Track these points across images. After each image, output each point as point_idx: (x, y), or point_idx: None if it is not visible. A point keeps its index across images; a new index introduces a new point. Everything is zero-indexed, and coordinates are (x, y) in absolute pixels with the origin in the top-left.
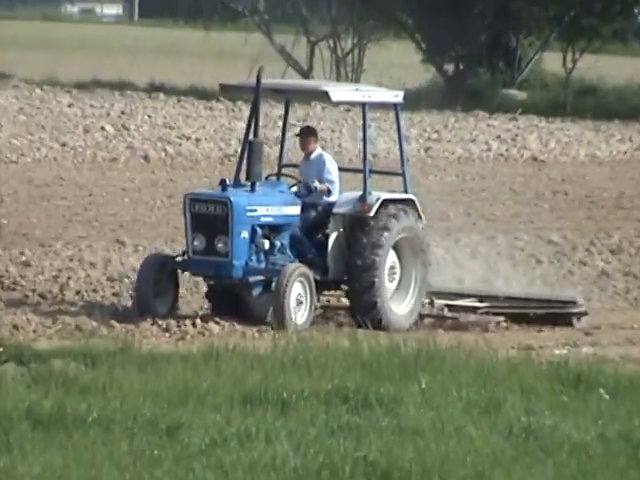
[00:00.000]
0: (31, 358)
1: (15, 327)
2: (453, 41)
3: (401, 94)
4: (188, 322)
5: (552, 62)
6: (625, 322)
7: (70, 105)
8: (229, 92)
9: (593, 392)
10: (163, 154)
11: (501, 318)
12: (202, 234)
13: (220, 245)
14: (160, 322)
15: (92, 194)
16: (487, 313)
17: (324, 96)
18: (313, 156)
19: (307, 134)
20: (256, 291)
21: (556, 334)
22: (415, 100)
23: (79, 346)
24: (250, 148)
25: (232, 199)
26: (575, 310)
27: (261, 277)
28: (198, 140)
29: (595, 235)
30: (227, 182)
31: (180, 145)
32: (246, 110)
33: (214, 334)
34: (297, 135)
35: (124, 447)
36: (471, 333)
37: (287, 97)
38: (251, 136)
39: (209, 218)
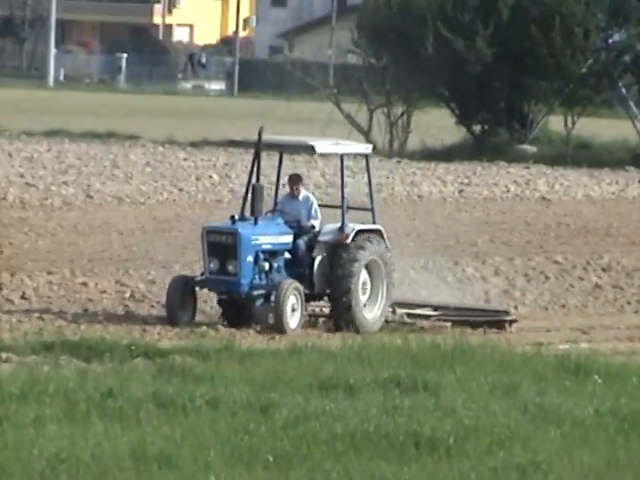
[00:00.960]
0: (156, 354)
1: (144, 330)
2: (479, 108)
3: (370, 147)
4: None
5: (556, 123)
6: (614, 324)
7: (185, 159)
8: (236, 146)
9: (589, 378)
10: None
11: (448, 324)
12: (216, 258)
13: (230, 267)
14: (257, 328)
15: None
16: (438, 320)
17: (310, 149)
18: (301, 197)
19: (296, 180)
20: (258, 302)
21: (560, 334)
22: (450, 153)
23: (193, 345)
24: (254, 191)
25: (240, 231)
26: (508, 318)
27: (262, 291)
28: (284, 185)
29: (590, 256)
30: (235, 217)
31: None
32: (320, 162)
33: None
34: (288, 180)
35: (227, 422)
36: (495, 334)
37: (281, 150)
38: (254, 181)
39: (222, 246)
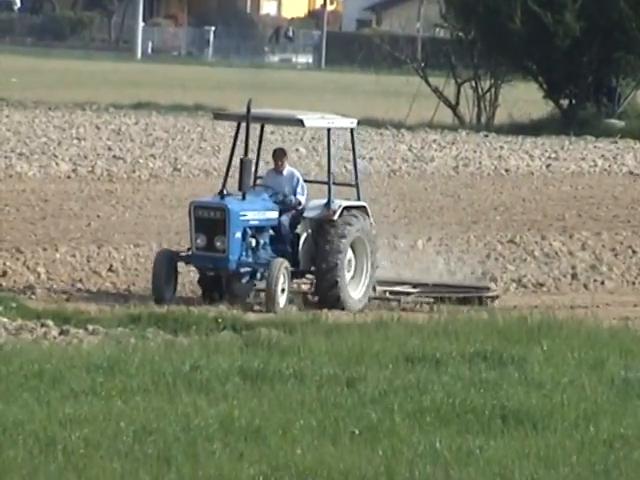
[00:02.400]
0: (242, 327)
1: (230, 303)
2: (567, 82)
3: (355, 121)
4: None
5: None
6: None
7: (272, 132)
8: (221, 119)
9: None
10: (344, 170)
11: (431, 300)
12: (204, 234)
13: (219, 243)
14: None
15: None
16: (420, 297)
17: (299, 123)
18: (285, 172)
19: (281, 155)
20: (245, 280)
21: None
22: (538, 128)
23: (279, 318)
24: (242, 165)
25: (229, 206)
26: (489, 294)
27: (249, 269)
28: (371, 159)
29: None
30: (224, 192)
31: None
32: (408, 135)
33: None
34: (273, 155)
35: (313, 395)
36: (582, 309)
37: (270, 124)
38: (242, 155)
39: (210, 221)
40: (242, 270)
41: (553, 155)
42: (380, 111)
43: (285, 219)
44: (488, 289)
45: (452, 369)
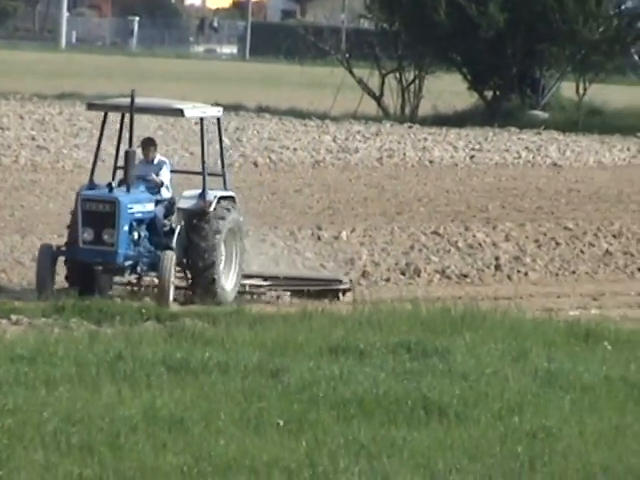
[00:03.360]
0: (166, 317)
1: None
2: (492, 73)
3: (222, 109)
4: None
5: (568, 90)
6: (624, 290)
7: (196, 123)
8: (95, 109)
9: (599, 344)
10: (268, 160)
11: (288, 293)
12: (91, 228)
13: (107, 237)
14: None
15: None
16: (270, 289)
17: (179, 113)
18: (155, 161)
19: (149, 144)
20: (126, 273)
21: (571, 300)
22: (462, 119)
23: (203, 308)
24: (126, 157)
25: (120, 199)
26: (341, 287)
27: (131, 262)
28: (295, 150)
29: (601, 223)
30: (113, 185)
31: (281, 153)
32: (332, 126)
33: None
34: (140, 145)
35: (237, 386)
36: (506, 301)
37: (149, 114)
38: (127, 147)
39: (99, 214)
40: (126, 264)
41: (477, 146)
42: (304, 102)
43: (160, 210)
44: (340, 282)
45: (376, 360)
